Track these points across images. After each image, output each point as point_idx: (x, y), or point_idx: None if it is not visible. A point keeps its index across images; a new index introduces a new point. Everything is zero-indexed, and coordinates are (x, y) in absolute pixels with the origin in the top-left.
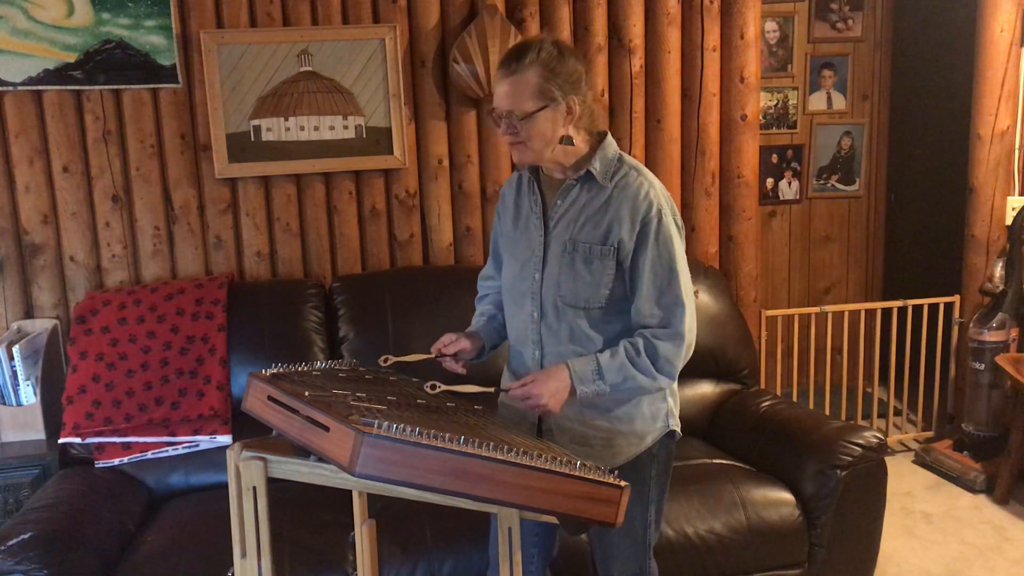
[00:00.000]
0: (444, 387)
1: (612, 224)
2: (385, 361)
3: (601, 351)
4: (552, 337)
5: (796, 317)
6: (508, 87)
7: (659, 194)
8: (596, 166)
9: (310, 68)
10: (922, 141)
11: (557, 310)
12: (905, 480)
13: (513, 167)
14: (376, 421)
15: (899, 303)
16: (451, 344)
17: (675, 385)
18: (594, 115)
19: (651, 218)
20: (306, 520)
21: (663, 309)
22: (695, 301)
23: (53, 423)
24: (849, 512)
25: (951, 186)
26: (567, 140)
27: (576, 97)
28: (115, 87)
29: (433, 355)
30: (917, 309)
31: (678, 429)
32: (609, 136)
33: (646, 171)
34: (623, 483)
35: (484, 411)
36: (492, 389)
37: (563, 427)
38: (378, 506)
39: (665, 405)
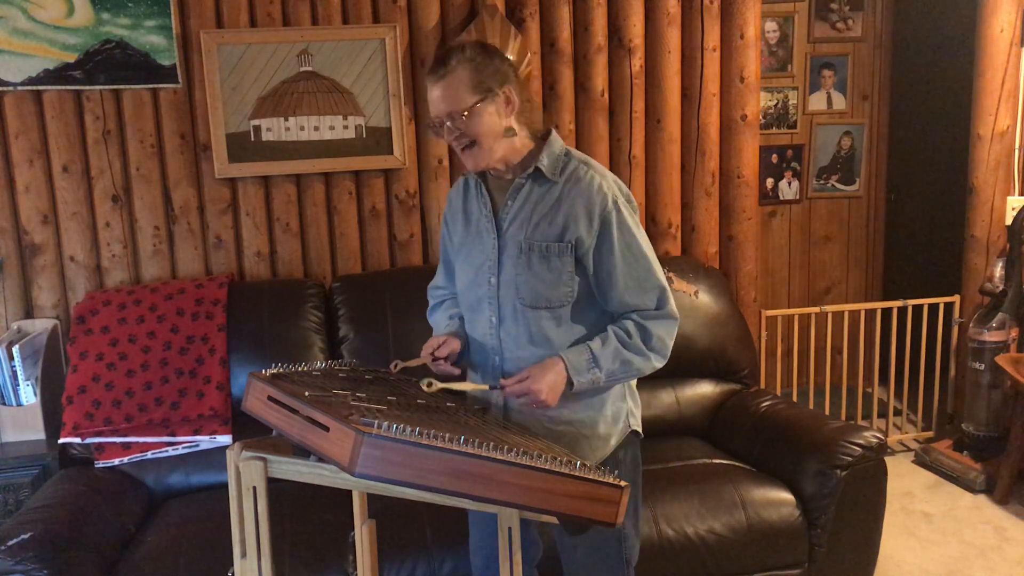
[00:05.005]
0: (440, 384)
1: (568, 221)
2: (395, 367)
3: (570, 347)
4: (512, 342)
5: (796, 317)
6: (442, 90)
7: (611, 184)
8: (544, 162)
9: (310, 68)
10: (922, 141)
11: (516, 313)
12: (905, 480)
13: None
14: (376, 421)
15: (899, 303)
16: (443, 347)
17: (634, 385)
18: (534, 113)
19: (609, 211)
20: (306, 520)
21: (650, 297)
22: (694, 301)
23: (53, 423)
24: (849, 512)
25: (951, 186)
26: (510, 132)
27: (511, 87)
28: (115, 87)
29: (429, 360)
30: (917, 309)
31: (640, 429)
32: (554, 133)
33: (595, 163)
34: (623, 483)
35: (484, 411)
36: (487, 386)
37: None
38: (378, 506)
39: (625, 406)
